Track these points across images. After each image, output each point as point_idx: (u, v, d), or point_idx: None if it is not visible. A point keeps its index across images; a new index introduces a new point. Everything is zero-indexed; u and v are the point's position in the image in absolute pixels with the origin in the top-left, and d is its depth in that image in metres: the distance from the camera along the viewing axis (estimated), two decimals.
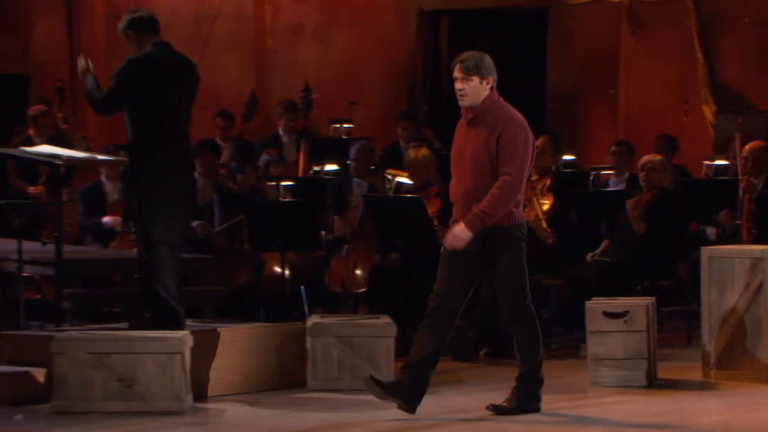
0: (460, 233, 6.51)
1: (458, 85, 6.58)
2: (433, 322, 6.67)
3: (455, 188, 6.70)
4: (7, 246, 9.05)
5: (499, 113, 6.60)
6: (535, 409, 6.77)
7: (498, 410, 6.74)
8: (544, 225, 8.77)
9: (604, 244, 9.23)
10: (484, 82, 6.57)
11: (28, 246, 8.93)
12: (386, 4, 13.24)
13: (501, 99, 6.66)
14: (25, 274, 8.85)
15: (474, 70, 6.54)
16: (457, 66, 6.58)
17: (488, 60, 6.60)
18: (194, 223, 9.41)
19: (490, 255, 6.62)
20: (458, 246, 6.53)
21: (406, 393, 6.64)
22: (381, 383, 6.65)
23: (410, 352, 6.73)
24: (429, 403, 7.14)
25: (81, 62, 7.57)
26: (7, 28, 14.19)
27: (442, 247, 6.69)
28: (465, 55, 6.57)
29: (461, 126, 6.72)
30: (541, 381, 6.82)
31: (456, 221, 6.63)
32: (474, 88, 6.56)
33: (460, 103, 6.62)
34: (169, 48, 7.52)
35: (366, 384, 6.67)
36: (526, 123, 6.64)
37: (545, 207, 8.88)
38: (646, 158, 9.32)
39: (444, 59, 13.26)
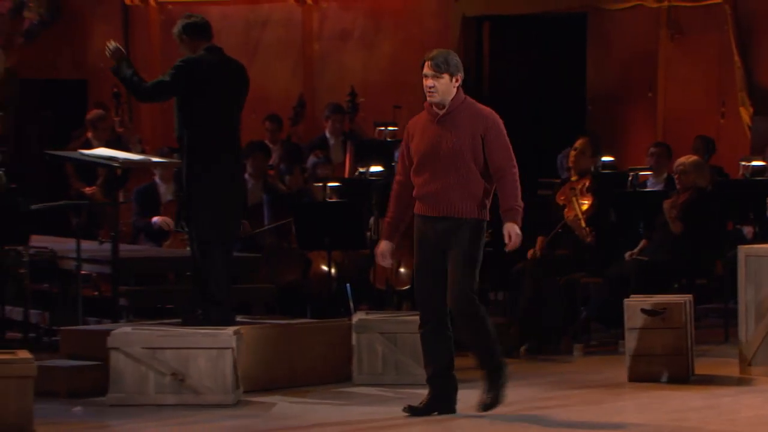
0: (514, 230, 6.40)
1: (429, 82, 6.41)
2: (432, 329, 6.54)
3: (428, 185, 6.45)
4: (67, 245, 9.15)
5: (474, 110, 6.49)
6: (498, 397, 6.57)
7: (485, 407, 6.54)
8: (584, 224, 8.73)
9: (642, 243, 9.16)
10: (454, 80, 6.42)
11: (86, 245, 9.03)
12: (430, 10, 13.23)
13: (467, 96, 6.54)
14: (83, 272, 8.94)
15: (444, 68, 6.39)
16: (428, 63, 6.41)
17: (457, 58, 6.48)
18: None
19: (449, 244, 6.46)
20: (519, 242, 6.46)
21: (443, 403, 6.56)
22: (417, 409, 6.53)
23: (428, 364, 6.57)
24: (473, 397, 7.14)
25: (111, 45, 7.50)
26: (67, 37, 14.32)
27: (414, 253, 6.57)
28: (435, 52, 6.43)
29: (426, 124, 6.51)
30: (502, 384, 6.57)
31: (429, 216, 6.45)
32: (444, 85, 6.40)
33: (430, 99, 6.45)
34: (221, 52, 7.56)
35: (406, 413, 6.54)
36: None
37: (584, 207, 8.84)
38: (679, 160, 9.25)
39: (486, 63, 13.26)
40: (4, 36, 13.68)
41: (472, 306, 6.47)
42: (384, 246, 6.63)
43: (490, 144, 6.44)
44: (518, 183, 6.47)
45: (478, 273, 6.49)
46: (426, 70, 6.43)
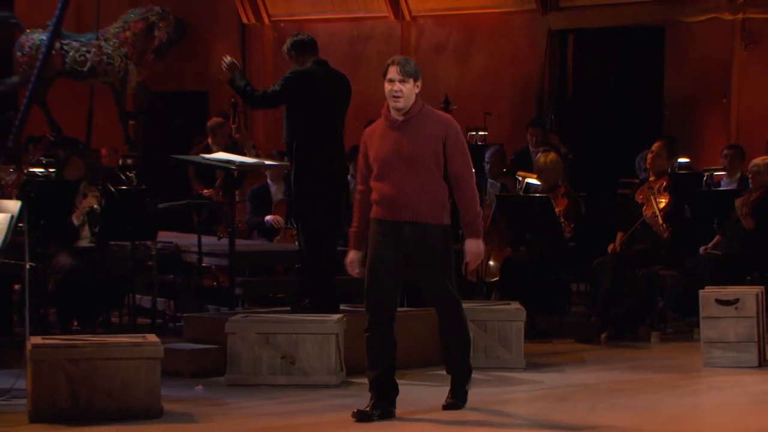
0: (475, 247, 6.01)
1: (396, 87, 5.93)
2: (381, 334, 6.07)
3: (391, 191, 5.94)
4: (189, 240, 9.28)
5: (434, 115, 6.06)
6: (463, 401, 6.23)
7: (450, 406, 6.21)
8: (661, 221, 8.61)
9: (716, 238, 9.01)
10: (416, 85, 5.98)
11: (206, 240, 9.15)
12: (519, 24, 13.15)
13: (424, 102, 6.08)
14: (203, 265, 9.06)
15: (410, 73, 5.95)
16: (396, 69, 5.95)
17: (417, 64, 6.08)
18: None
19: (417, 251, 5.98)
20: (480, 258, 6.10)
21: (386, 405, 6.05)
22: (365, 413, 5.97)
23: (374, 368, 6.06)
24: (557, 379, 7.10)
25: (227, 59, 7.61)
26: (191, 53, 14.53)
27: (369, 256, 6.02)
28: (399, 58, 6.02)
29: (385, 131, 6.01)
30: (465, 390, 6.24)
31: (393, 221, 5.95)
32: (409, 90, 5.95)
33: (394, 104, 5.96)
34: (326, 65, 7.60)
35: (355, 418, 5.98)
36: None
37: (662, 205, 8.72)
38: (754, 161, 9.11)
39: (570, 73, 13.16)
40: (137, 53, 13.92)
41: (458, 309, 6.12)
42: (354, 255, 6.13)
43: (451, 149, 5.98)
44: (476, 191, 6.06)
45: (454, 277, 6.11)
46: (392, 75, 5.96)
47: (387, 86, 5.96)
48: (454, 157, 5.99)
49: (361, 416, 5.95)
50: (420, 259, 6.01)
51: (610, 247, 8.74)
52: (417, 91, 5.98)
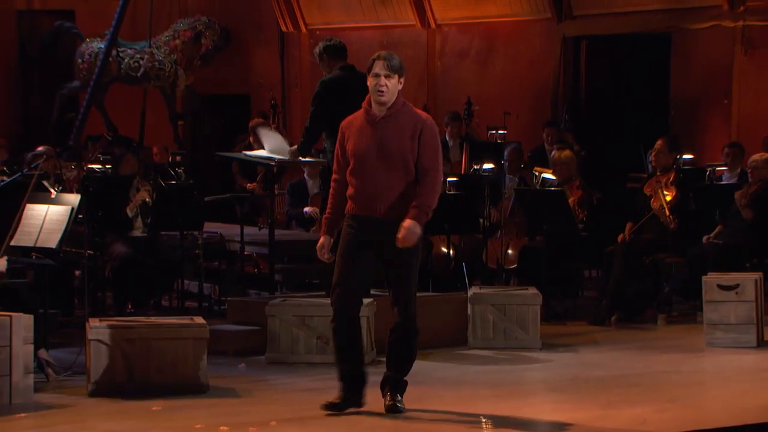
0: (414, 228, 5.43)
1: (382, 81, 5.46)
2: (349, 325, 5.58)
3: (369, 186, 5.46)
4: (232, 231, 9.30)
5: (413, 113, 5.57)
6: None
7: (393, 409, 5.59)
8: (668, 213, 8.55)
9: (718, 228, 8.93)
10: (400, 82, 5.52)
11: (248, 230, 9.17)
12: (536, 32, 13.08)
13: (405, 100, 5.61)
14: (246, 253, 9.07)
15: (396, 68, 5.48)
16: (382, 63, 5.49)
17: (401, 61, 5.59)
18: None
19: (389, 245, 5.45)
20: (413, 241, 5.45)
21: (356, 397, 5.59)
22: (336, 404, 5.54)
23: (343, 360, 5.59)
24: (571, 358, 7.07)
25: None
26: (233, 59, 14.54)
27: (340, 248, 5.53)
28: (385, 53, 5.59)
29: (365, 125, 5.54)
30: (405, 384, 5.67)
31: (368, 217, 5.47)
32: (393, 86, 5.48)
33: (379, 98, 5.48)
34: (353, 69, 7.55)
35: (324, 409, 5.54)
36: None
37: (668, 198, 8.64)
38: (753, 157, 9.03)
39: (582, 77, 13.07)
40: (185, 59, 13.95)
41: (414, 319, 5.60)
42: (325, 240, 5.61)
43: (423, 144, 5.50)
44: (439, 187, 5.56)
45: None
46: (378, 70, 5.49)
47: (372, 80, 5.52)
48: (425, 152, 5.50)
49: (331, 407, 5.52)
50: (391, 256, 5.50)
51: (620, 237, 8.69)
52: (400, 87, 5.54)
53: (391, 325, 5.64)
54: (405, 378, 5.65)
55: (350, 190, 5.56)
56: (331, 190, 5.71)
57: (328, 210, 5.71)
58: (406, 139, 5.49)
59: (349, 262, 5.51)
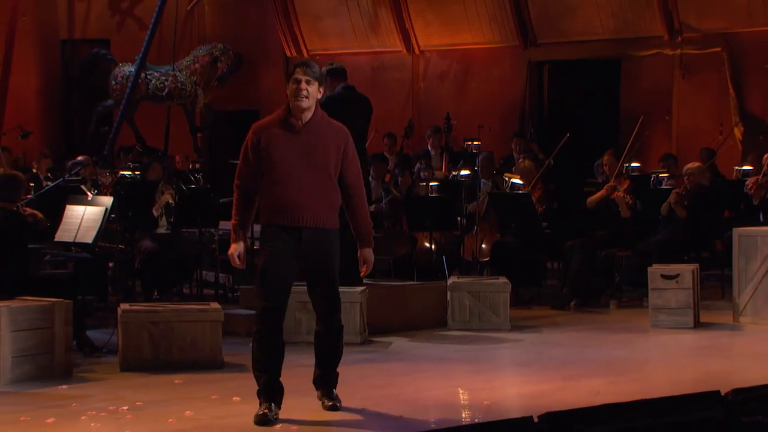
0: (372, 255, 4.93)
1: (303, 86, 4.78)
2: (272, 337, 4.89)
3: (294, 195, 4.77)
4: (256, 227, 9.21)
5: (332, 124, 4.91)
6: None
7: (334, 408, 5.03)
8: (627, 197, 8.61)
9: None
10: (319, 90, 4.86)
11: (258, 227, 9.06)
12: (505, 57, 13.10)
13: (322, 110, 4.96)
14: (255, 247, 8.95)
15: (315, 76, 4.83)
16: (303, 69, 4.82)
17: (321, 70, 5.02)
18: None
19: (312, 254, 4.84)
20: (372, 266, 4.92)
21: (275, 406, 4.89)
22: (267, 416, 4.80)
23: (264, 371, 4.89)
24: (536, 338, 7.04)
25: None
26: (245, 80, 14.49)
27: (266, 260, 4.81)
28: (305, 59, 5.07)
29: (285, 134, 4.81)
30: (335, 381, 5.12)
31: (291, 226, 4.78)
32: (314, 93, 4.81)
33: (299, 102, 4.78)
34: (354, 89, 7.54)
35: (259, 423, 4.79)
36: None
37: (624, 186, 8.74)
38: (687, 166, 9.10)
39: (546, 96, 13.13)
40: (204, 80, 13.89)
41: (340, 318, 5.05)
42: (238, 247, 4.95)
43: (347, 159, 4.87)
44: (366, 201, 5.00)
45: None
46: (298, 75, 4.80)
47: (292, 86, 4.79)
48: (351, 168, 4.89)
49: (262, 420, 4.77)
50: (316, 263, 4.88)
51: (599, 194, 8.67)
52: (319, 96, 4.86)
53: (317, 327, 5.06)
54: (336, 375, 5.10)
55: (270, 200, 4.82)
56: (235, 197, 4.97)
57: (236, 217, 4.96)
58: (331, 149, 4.83)
59: (275, 279, 4.81)
